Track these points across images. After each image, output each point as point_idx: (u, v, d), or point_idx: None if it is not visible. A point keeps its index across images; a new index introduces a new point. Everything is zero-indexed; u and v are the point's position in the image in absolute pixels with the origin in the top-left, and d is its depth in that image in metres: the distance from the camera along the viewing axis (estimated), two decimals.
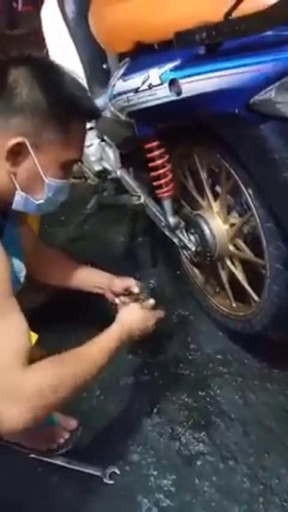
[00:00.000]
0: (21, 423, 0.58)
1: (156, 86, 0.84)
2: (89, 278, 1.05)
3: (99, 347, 0.75)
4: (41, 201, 0.75)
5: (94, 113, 0.77)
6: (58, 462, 0.91)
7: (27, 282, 0.86)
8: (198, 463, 0.91)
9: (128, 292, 1.02)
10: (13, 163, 0.70)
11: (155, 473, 0.89)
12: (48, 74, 0.71)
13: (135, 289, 1.00)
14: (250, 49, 0.66)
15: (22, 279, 0.82)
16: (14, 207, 0.75)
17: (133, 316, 0.86)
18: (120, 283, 1.02)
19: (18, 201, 0.74)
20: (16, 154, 0.69)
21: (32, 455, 0.92)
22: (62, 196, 0.79)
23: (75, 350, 0.71)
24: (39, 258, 0.98)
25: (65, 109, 0.70)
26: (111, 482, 0.87)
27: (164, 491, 0.86)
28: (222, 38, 0.65)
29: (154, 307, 0.96)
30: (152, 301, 0.96)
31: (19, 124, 0.68)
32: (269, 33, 0.62)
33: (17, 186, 0.72)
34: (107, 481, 0.88)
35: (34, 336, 0.69)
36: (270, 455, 0.91)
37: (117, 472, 0.89)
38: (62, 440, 0.92)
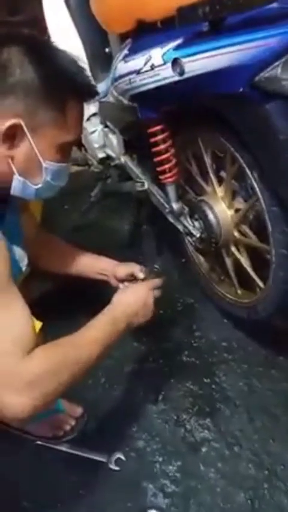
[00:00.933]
0: (21, 412, 0.58)
1: (158, 66, 0.81)
2: (93, 265, 1.04)
3: (94, 330, 0.73)
4: (40, 186, 0.73)
5: (90, 90, 0.73)
6: (64, 449, 0.92)
7: (32, 270, 0.85)
8: (203, 449, 0.91)
9: (132, 278, 1.00)
10: (9, 146, 0.68)
11: (160, 459, 0.89)
12: (41, 51, 0.68)
13: (140, 275, 0.99)
14: (255, 24, 0.64)
15: (24, 268, 0.81)
16: (12, 192, 0.73)
17: (126, 295, 0.83)
18: (124, 269, 1.01)
19: (16, 186, 0.73)
20: (12, 136, 0.67)
21: (39, 442, 0.93)
22: (61, 180, 0.77)
23: (71, 336, 0.70)
24: (41, 245, 0.97)
25: (59, 86, 0.68)
26: (117, 468, 0.88)
27: (169, 477, 0.87)
28: (226, 12, 0.63)
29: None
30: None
31: (13, 105, 0.66)
32: (274, 6, 0.59)
33: (15, 170, 0.70)
34: (112, 467, 0.88)
35: (38, 324, 0.68)
36: (275, 442, 0.90)
37: (123, 458, 0.89)
38: (67, 427, 0.93)
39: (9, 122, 0.66)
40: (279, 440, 0.90)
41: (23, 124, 0.66)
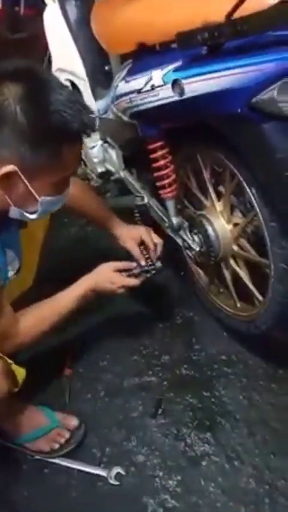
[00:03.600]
0: (20, 344, 0.88)
1: (159, 86, 0.84)
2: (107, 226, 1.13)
3: (68, 297, 0.94)
4: (35, 216, 0.76)
5: (86, 131, 0.72)
6: (63, 463, 0.91)
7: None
8: (204, 463, 0.90)
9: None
10: (5, 187, 0.70)
11: (161, 474, 0.89)
12: (39, 94, 0.66)
13: (142, 262, 1.05)
14: (252, 49, 0.66)
15: (11, 273, 0.84)
16: (10, 215, 0.77)
17: (101, 276, 0.98)
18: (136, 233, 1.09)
19: (13, 213, 0.76)
20: (7, 179, 0.69)
21: (37, 457, 0.92)
22: (58, 206, 0.79)
23: (51, 299, 0.92)
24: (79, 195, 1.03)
25: (55, 135, 0.67)
26: (116, 483, 0.88)
27: (170, 492, 0.86)
28: (224, 39, 0.65)
29: (134, 276, 1.01)
30: (136, 281, 1.01)
31: (9, 152, 0.67)
32: (271, 33, 0.62)
33: (11, 203, 0.73)
34: (112, 481, 0.88)
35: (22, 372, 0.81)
36: (276, 456, 0.90)
37: (123, 472, 0.89)
38: (63, 440, 0.93)
39: (4, 170, 0.67)
40: (280, 455, 0.90)
41: (18, 170, 0.68)
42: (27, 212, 0.75)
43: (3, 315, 0.83)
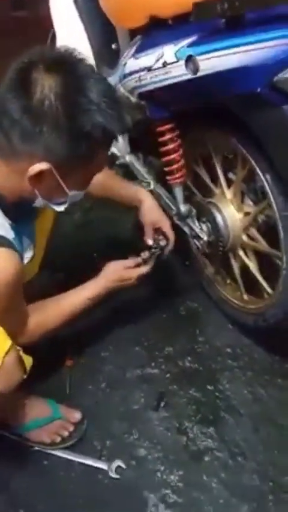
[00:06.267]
0: (28, 342, 0.83)
1: (171, 63, 0.79)
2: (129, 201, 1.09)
3: (79, 298, 0.92)
4: (62, 207, 0.76)
5: (122, 131, 0.73)
6: (63, 455, 0.90)
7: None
8: (206, 458, 0.89)
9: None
10: (35, 182, 0.69)
11: (162, 468, 0.88)
12: (79, 90, 0.64)
13: (149, 241, 1.03)
14: (275, 22, 0.61)
15: (27, 260, 0.83)
16: (35, 205, 0.76)
17: (115, 275, 0.97)
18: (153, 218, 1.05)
19: (39, 203, 0.75)
20: (39, 175, 0.68)
21: (37, 448, 0.90)
22: (81, 196, 0.78)
23: (60, 298, 0.91)
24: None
25: (95, 137, 0.66)
26: (117, 476, 0.86)
27: (171, 486, 0.85)
28: (245, 9, 0.60)
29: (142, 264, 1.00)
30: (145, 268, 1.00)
31: (45, 149, 0.65)
32: None
33: (38, 195, 0.72)
34: (112, 475, 0.86)
35: (29, 360, 0.77)
36: (280, 452, 0.89)
37: (123, 466, 0.87)
38: (66, 433, 0.91)
39: (38, 168, 0.66)
40: (284, 451, 0.89)
41: (53, 168, 0.67)
42: (54, 204, 0.75)
43: (21, 311, 0.83)
